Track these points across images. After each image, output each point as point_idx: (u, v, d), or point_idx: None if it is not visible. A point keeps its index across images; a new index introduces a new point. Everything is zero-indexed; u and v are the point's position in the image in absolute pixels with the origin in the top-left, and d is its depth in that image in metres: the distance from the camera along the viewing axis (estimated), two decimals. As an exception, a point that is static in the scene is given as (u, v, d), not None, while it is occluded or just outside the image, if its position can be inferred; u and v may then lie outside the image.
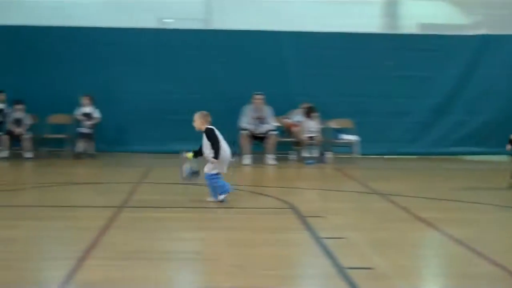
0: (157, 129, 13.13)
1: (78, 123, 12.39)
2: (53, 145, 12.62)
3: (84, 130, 12.24)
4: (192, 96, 13.03)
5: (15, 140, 12.14)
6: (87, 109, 12.29)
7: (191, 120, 12.83)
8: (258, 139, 12.03)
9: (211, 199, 7.56)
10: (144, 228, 6.37)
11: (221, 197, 7.52)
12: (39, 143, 12.45)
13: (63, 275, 4.67)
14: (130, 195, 8.20)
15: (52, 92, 12.67)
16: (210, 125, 7.56)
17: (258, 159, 11.86)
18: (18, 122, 12.13)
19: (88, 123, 12.22)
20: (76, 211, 7.28)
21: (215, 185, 7.52)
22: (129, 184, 9.01)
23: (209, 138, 7.45)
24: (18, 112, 12.15)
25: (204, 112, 7.66)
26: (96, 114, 12.29)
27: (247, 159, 11.70)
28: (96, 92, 12.71)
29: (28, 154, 12.02)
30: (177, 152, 12.71)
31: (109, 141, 12.92)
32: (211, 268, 5.06)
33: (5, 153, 11.93)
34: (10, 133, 12.05)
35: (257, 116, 11.97)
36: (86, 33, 13.04)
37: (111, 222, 6.52)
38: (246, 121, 11.95)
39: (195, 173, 7.65)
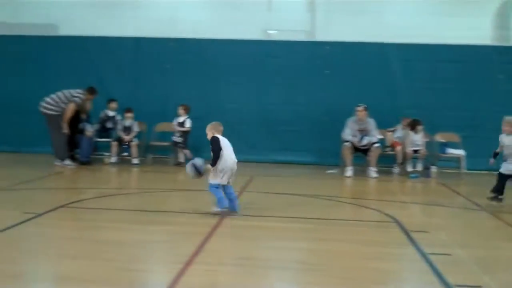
0: (261, 139, 13.25)
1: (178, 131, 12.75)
2: (159, 152, 12.99)
3: (175, 138, 12.53)
4: (296, 107, 13.10)
5: (123, 146, 12.62)
6: (181, 119, 12.56)
7: (295, 131, 13.11)
8: (360, 152, 11.88)
9: (215, 209, 7.41)
10: (247, 236, 6.43)
11: (217, 209, 7.38)
12: (145, 150, 12.86)
13: (171, 279, 4.78)
14: (233, 203, 8.30)
15: (161, 101, 13.09)
16: (219, 135, 7.55)
17: (360, 171, 11.71)
18: (127, 129, 12.59)
19: (179, 131, 12.46)
20: (180, 217, 7.44)
21: (214, 195, 7.42)
22: (232, 193, 9.11)
23: (211, 145, 7.46)
24: (128, 120, 12.62)
25: (216, 122, 7.68)
26: (188, 123, 12.53)
27: (349, 171, 11.57)
28: (201, 102, 13.01)
29: (135, 161, 12.42)
30: (281, 162, 13.00)
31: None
32: (318, 279, 5.01)
33: (113, 159, 12.40)
34: (119, 140, 12.53)
35: (360, 128, 11.82)
36: (195, 45, 13.38)
37: (215, 229, 6.62)
38: (349, 133, 11.82)
39: (197, 170, 7.49)
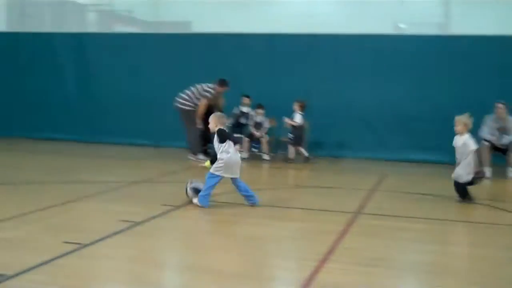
0: (392, 136, 13.00)
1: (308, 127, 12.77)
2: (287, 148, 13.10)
3: (289, 135, 12.55)
4: (428, 103, 12.71)
5: (254, 142, 12.84)
6: (296, 115, 12.50)
7: (428, 128, 12.70)
8: (499, 151, 11.32)
9: (195, 200, 7.41)
10: (381, 236, 6.34)
11: (195, 200, 7.38)
12: (276, 146, 13.00)
13: (305, 276, 4.81)
14: (366, 201, 8.21)
15: (291, 96, 13.14)
16: (223, 127, 7.49)
17: (499, 172, 11.17)
18: (258, 125, 12.79)
19: (293, 126, 12.43)
20: (312, 214, 7.45)
21: (207, 183, 7.33)
22: (364, 191, 9.02)
23: (219, 136, 7.36)
24: (259, 116, 12.81)
25: (220, 114, 7.72)
26: (298, 119, 12.48)
27: (487, 172, 11.06)
28: (330, 98, 12.99)
29: (266, 156, 12.60)
30: (413, 161, 12.67)
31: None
32: (451, 283, 4.85)
33: (245, 154, 12.64)
34: (250, 136, 12.76)
35: (500, 127, 11.26)
36: (327, 40, 13.32)
37: (349, 227, 6.57)
38: (487, 132, 11.31)
39: (195, 191, 7.47)
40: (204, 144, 12.37)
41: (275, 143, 12.97)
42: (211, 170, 7.38)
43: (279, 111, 12.87)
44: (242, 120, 12.99)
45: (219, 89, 12.33)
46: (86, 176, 9.66)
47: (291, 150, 12.53)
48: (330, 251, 5.54)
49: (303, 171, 11.56)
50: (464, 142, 8.24)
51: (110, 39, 15.03)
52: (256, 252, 5.62)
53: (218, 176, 7.37)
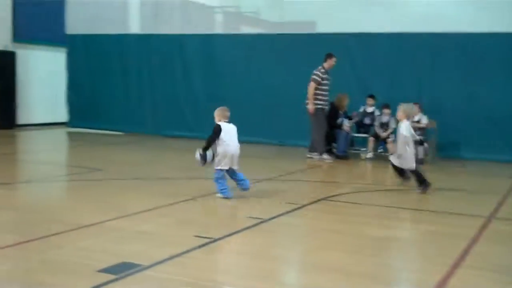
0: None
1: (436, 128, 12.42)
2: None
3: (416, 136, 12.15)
4: None
5: (380, 142, 12.63)
6: (416, 117, 12.07)
7: None
8: None
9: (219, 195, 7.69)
10: (513, 243, 6.04)
11: (219, 195, 7.65)
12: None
13: (437, 280, 4.66)
14: (500, 206, 7.84)
15: (417, 97, 12.77)
16: (225, 121, 7.75)
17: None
18: (384, 125, 12.56)
19: (419, 127, 12.01)
20: (442, 217, 7.21)
21: (217, 186, 7.66)
22: (496, 195, 8.61)
23: (213, 131, 7.64)
24: (385, 116, 12.57)
25: (223, 107, 7.90)
26: (424, 120, 12.07)
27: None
28: (458, 99, 12.59)
29: (391, 157, 12.34)
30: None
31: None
32: None
33: (370, 155, 12.46)
34: (376, 136, 12.56)
35: None
36: (454, 39, 12.86)
37: (481, 232, 6.30)
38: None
39: (203, 158, 7.64)
40: (328, 144, 12.33)
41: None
42: (216, 168, 7.67)
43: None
44: (367, 120, 12.82)
45: (326, 64, 12.21)
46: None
47: (420, 151, 12.22)
48: (462, 256, 5.33)
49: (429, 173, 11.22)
50: (399, 128, 8.67)
51: (237, 40, 15.35)
52: (385, 254, 5.53)
53: (221, 170, 7.66)
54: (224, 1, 16.86)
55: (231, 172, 7.77)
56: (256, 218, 6.61)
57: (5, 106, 16.76)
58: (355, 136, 12.94)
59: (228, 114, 7.94)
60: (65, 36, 17.13)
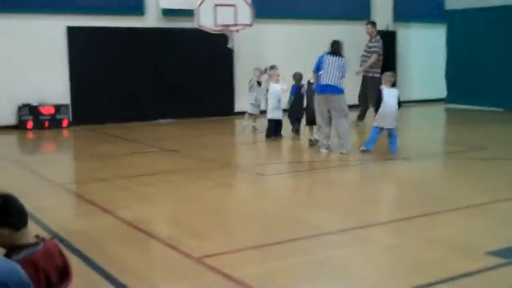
0: None
1: None
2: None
3: None
4: None
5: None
6: None
7: None
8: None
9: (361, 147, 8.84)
10: None
11: (362, 147, 8.81)
12: None
13: None
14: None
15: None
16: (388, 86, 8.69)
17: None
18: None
19: None
20: None
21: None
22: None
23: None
24: None
25: (389, 73, 8.93)
26: None
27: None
28: None
29: None
30: None
31: None
32: None
33: None
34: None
35: None
36: None
37: None
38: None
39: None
40: None
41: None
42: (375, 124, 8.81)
43: None
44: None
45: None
46: None
47: None
48: None
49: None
50: None
51: None
52: None
53: (378, 127, 8.72)
54: None
55: (390, 132, 8.96)
56: None
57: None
58: None
59: (391, 79, 8.77)
60: (444, 12, 17.01)
